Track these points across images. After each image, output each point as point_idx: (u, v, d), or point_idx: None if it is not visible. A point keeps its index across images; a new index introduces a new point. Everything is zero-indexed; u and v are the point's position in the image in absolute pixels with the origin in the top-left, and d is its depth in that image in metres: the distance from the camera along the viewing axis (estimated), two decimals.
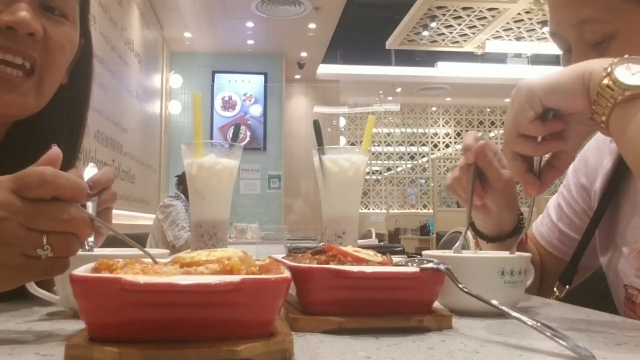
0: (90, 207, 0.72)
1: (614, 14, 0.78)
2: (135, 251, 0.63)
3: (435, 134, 11.59)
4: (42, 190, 0.53)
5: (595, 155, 1.04)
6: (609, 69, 0.61)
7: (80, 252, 0.64)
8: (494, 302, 0.60)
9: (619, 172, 0.95)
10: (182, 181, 4.33)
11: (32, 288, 0.64)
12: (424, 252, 0.77)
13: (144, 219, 5.53)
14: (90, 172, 0.76)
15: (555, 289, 0.98)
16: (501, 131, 11.53)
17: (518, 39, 8.30)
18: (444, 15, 7.36)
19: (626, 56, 0.62)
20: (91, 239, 0.67)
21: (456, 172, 0.93)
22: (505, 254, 0.79)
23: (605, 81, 0.61)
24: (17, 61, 0.78)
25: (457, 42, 8.36)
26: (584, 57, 0.76)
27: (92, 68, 0.98)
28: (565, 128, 0.68)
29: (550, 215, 1.11)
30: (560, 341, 0.51)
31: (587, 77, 0.63)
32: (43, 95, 0.84)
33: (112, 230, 0.64)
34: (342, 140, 10.42)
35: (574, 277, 0.99)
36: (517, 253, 0.77)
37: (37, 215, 0.53)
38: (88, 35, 0.95)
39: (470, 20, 7.48)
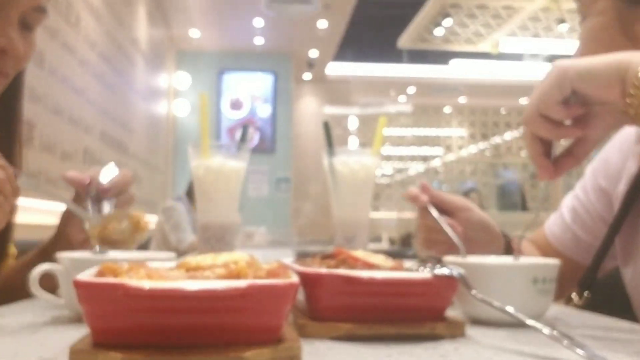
0: (106, 208, 0.72)
1: None
2: (140, 255, 0.62)
3: (449, 137, 11.50)
4: None
5: (617, 157, 1.01)
6: None
7: (86, 256, 0.64)
8: (509, 309, 0.58)
9: None
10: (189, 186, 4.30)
11: (37, 291, 0.64)
12: (447, 258, 0.75)
13: (150, 222, 5.52)
14: (108, 171, 0.77)
15: (572, 295, 0.96)
16: (516, 134, 11.42)
17: (534, 36, 8.16)
18: (457, 13, 7.30)
19: None
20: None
21: (419, 222, 0.93)
22: (535, 260, 0.76)
23: None
24: None
25: (472, 41, 8.27)
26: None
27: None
28: (590, 116, 0.66)
29: (563, 216, 1.08)
30: (578, 350, 0.49)
31: (623, 68, 0.61)
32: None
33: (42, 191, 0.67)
34: (353, 142, 10.37)
35: (592, 284, 0.96)
36: (547, 259, 0.75)
37: None
38: None
39: (485, 19, 7.41)
